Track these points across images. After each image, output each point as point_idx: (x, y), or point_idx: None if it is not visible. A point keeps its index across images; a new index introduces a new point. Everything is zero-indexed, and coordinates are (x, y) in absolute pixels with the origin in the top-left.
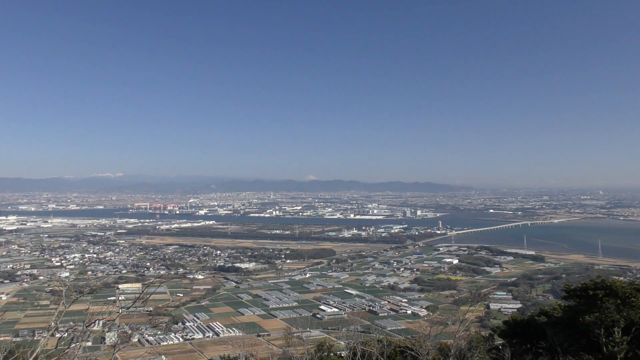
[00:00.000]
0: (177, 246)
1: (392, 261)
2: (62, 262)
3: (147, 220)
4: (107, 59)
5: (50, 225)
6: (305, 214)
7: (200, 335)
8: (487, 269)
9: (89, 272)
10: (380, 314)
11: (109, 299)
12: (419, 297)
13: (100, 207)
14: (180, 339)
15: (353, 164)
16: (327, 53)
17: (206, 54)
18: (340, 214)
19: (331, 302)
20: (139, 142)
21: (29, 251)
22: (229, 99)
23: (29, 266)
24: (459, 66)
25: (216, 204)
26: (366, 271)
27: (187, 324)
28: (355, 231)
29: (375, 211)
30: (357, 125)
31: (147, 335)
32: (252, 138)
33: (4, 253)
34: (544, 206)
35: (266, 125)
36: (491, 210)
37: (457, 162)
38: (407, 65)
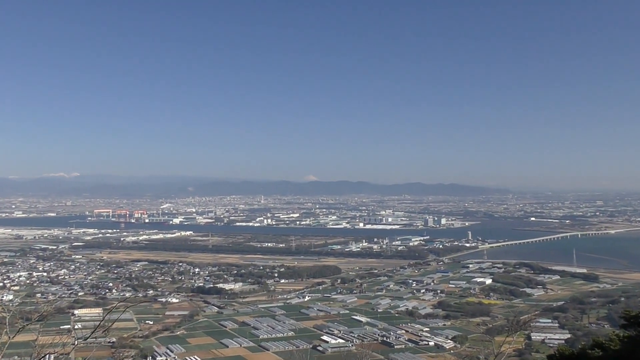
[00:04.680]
0: (146, 262)
1: (410, 281)
2: (5, 282)
3: (110, 231)
4: (54, 40)
5: None
6: (304, 222)
7: None
8: (528, 290)
9: (38, 295)
10: (396, 346)
11: (62, 327)
12: (444, 325)
13: (52, 214)
14: None
15: (362, 162)
16: (332, 25)
17: (175, 32)
18: (347, 223)
19: (336, 332)
20: (99, 135)
21: None
22: (208, 83)
23: None
24: (493, 47)
25: (194, 210)
26: (379, 293)
27: (159, 358)
28: (365, 244)
29: (389, 219)
30: (367, 115)
31: None
32: (238, 131)
33: None
34: (597, 213)
35: (256, 115)
36: (532, 219)
37: (489, 160)
38: (431, 44)
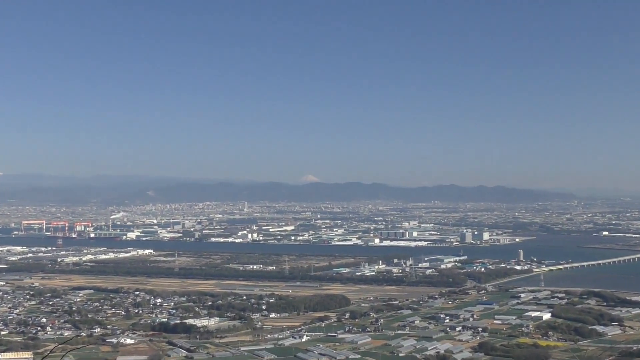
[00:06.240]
0: (91, 291)
1: (442, 315)
2: None
3: (43, 249)
4: None
5: None
6: (301, 237)
7: None
8: (599, 328)
9: None
10: None
11: None
12: None
13: None
14: None
15: (378, 159)
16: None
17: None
18: (358, 238)
19: None
20: (29, 124)
21: None
22: (174, 60)
23: None
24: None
25: (156, 221)
26: (400, 332)
27: None
28: (382, 266)
29: (414, 233)
30: (382, 100)
31: None
32: (213, 118)
33: None
34: None
35: (237, 99)
36: (605, 233)
37: (547, 155)
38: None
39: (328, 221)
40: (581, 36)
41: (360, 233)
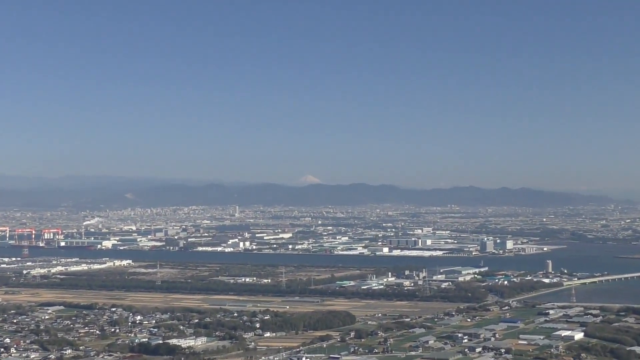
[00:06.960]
0: (61, 307)
1: (459, 335)
2: None
3: (6, 259)
4: None
5: None
6: (300, 246)
7: None
8: (639, 349)
9: None
10: None
11: None
12: None
13: None
14: None
15: (386, 157)
16: None
17: None
18: (364, 247)
19: None
20: None
21: None
22: (156, 52)
23: None
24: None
25: (135, 228)
26: (412, 353)
27: None
28: (391, 279)
29: (428, 242)
30: (392, 93)
31: None
32: (200, 111)
33: None
34: None
35: (228, 91)
36: None
37: (579, 154)
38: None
39: (330, 228)
40: (615, 29)
41: (366, 241)
